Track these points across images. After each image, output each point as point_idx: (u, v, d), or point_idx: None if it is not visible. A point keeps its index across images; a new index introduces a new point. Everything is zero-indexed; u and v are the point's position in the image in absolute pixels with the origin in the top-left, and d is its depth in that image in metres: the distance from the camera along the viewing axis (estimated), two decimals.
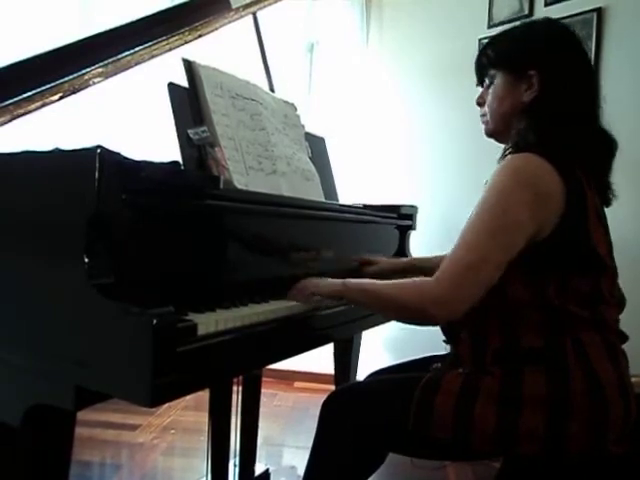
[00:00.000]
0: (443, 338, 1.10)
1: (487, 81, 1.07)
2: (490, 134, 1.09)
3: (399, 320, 1.02)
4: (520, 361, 0.93)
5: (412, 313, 0.93)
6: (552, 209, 0.90)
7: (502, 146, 1.12)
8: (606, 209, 1.04)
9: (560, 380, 0.90)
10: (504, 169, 0.93)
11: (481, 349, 0.98)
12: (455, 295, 0.88)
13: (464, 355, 1.02)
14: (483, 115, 1.09)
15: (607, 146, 1.00)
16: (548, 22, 1.07)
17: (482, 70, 1.08)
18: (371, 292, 0.98)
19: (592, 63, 1.00)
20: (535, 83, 0.98)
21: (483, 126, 1.10)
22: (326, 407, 1.06)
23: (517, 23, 1.08)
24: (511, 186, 0.90)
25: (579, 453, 0.89)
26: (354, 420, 1.01)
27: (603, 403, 0.89)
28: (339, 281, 1.03)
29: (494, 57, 1.05)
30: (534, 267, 0.91)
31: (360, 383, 1.14)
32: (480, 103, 1.10)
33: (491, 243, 0.88)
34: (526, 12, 2.50)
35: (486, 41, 1.12)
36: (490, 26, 2.63)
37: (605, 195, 1.02)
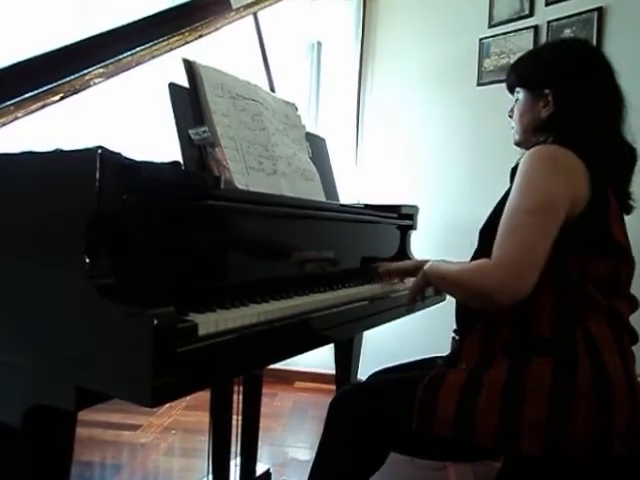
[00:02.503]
0: (454, 328, 1.12)
1: (515, 96, 1.15)
2: (517, 144, 1.18)
3: (468, 303, 1.04)
4: (528, 351, 0.94)
5: (478, 298, 0.95)
6: (581, 191, 0.95)
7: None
8: None
9: (567, 371, 0.90)
10: (533, 156, 0.97)
11: (491, 340, 0.99)
12: (519, 277, 0.89)
13: (472, 347, 1.02)
14: (513, 127, 1.17)
15: (627, 155, 1.04)
16: (570, 42, 1.20)
17: (510, 86, 1.17)
18: (448, 277, 1.04)
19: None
20: (550, 101, 1.06)
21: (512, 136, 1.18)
22: (332, 407, 1.09)
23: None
24: (544, 168, 0.95)
25: (582, 450, 0.89)
26: (357, 419, 1.03)
27: (609, 397, 0.89)
28: (419, 274, 1.14)
29: (516, 77, 1.15)
30: (559, 239, 0.93)
31: (365, 383, 1.15)
32: (510, 115, 1.19)
33: (539, 220, 0.91)
34: (527, 12, 2.50)
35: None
36: (491, 26, 2.63)
37: (626, 203, 1.06)
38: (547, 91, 1.05)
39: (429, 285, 1.16)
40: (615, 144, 1.03)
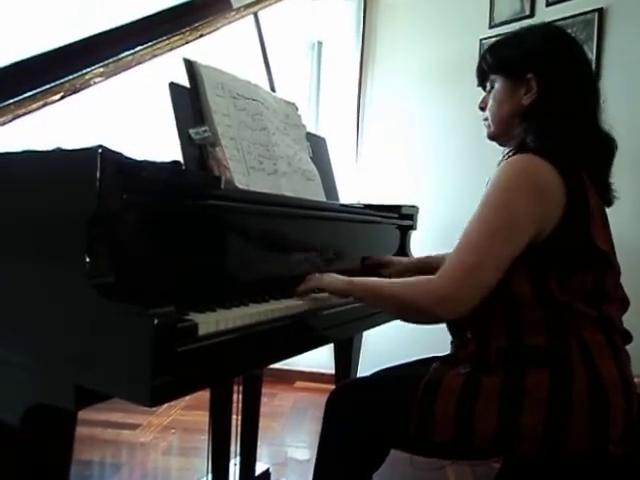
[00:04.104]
0: (451, 339, 1.11)
1: (488, 86, 1.09)
2: (492, 137, 1.11)
3: (401, 318, 1.02)
4: (523, 361, 0.93)
5: (416, 312, 0.95)
6: (553, 208, 0.91)
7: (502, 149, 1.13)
8: (608, 210, 1.05)
9: (563, 381, 0.90)
10: (506, 169, 0.94)
11: (485, 349, 0.98)
12: (458, 295, 0.89)
13: (467, 355, 1.02)
14: (485, 119, 1.11)
15: (606, 146, 1.01)
16: (545, 26, 1.11)
17: (483, 75, 1.10)
18: (376, 291, 1.00)
19: (592, 64, 1.02)
20: (534, 86, 1.00)
21: (485, 130, 1.12)
22: (330, 402, 1.09)
23: (516, 27, 1.09)
24: (513, 186, 0.92)
25: (579, 455, 0.89)
26: (356, 416, 1.03)
27: (605, 405, 0.89)
28: (345, 279, 1.05)
29: (492, 63, 1.07)
30: (536, 263, 0.92)
31: (363, 378, 1.15)
32: (482, 107, 1.11)
33: (493, 244, 0.90)
34: (527, 12, 2.50)
35: (485, 47, 1.13)
36: (491, 26, 2.63)
37: (606, 195, 1.03)
38: (530, 75, 1.00)
39: (348, 295, 1.05)
40: (596, 131, 1.00)
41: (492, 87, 1.08)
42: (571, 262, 0.92)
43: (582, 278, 0.93)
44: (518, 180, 0.92)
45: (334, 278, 1.06)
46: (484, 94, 1.11)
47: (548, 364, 0.92)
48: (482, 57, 1.10)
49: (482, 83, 1.12)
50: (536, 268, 0.92)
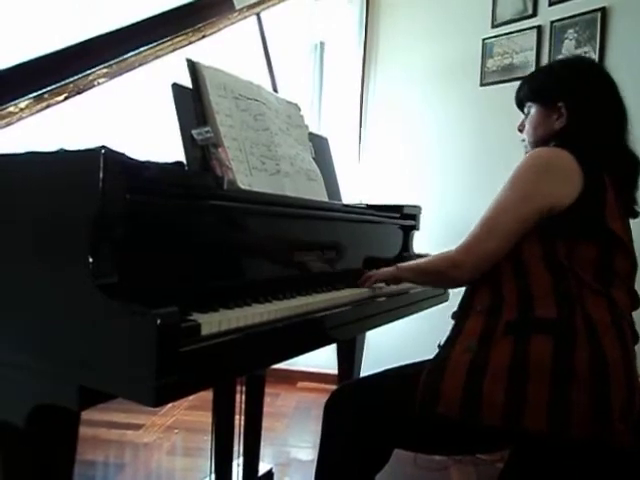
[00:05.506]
0: (453, 313, 1.14)
1: (526, 111, 1.21)
2: None
3: (438, 286, 1.38)
4: (530, 330, 0.97)
5: (439, 277, 1.16)
6: (567, 188, 1.00)
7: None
8: None
9: (565, 352, 0.93)
10: (527, 159, 1.05)
11: (494, 321, 1.01)
12: (467, 260, 1.05)
13: (474, 328, 1.03)
14: (523, 140, 1.23)
15: (632, 162, 1.09)
16: (577, 60, 1.27)
17: (521, 102, 1.23)
18: (414, 267, 1.21)
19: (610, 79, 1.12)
20: (564, 113, 1.11)
21: (523, 149, 1.23)
22: (330, 402, 1.11)
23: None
24: (528, 168, 1.04)
25: (583, 428, 0.91)
26: (357, 415, 1.05)
27: (606, 378, 0.92)
28: (392, 267, 1.27)
29: (528, 92, 1.20)
30: (547, 228, 1.01)
31: (364, 378, 1.17)
32: (520, 130, 1.23)
33: (502, 218, 1.03)
34: (530, 12, 2.49)
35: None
36: (494, 26, 2.62)
37: (631, 208, 1.10)
38: (560, 104, 1.10)
39: (398, 280, 1.27)
40: (620, 152, 1.08)
41: (529, 112, 1.19)
42: (578, 233, 1.00)
43: (586, 248, 0.99)
44: (532, 163, 1.04)
45: (382, 269, 1.29)
46: (523, 117, 1.22)
47: (552, 332, 0.95)
48: (520, 86, 1.23)
49: (521, 108, 1.24)
50: (547, 231, 1.01)
